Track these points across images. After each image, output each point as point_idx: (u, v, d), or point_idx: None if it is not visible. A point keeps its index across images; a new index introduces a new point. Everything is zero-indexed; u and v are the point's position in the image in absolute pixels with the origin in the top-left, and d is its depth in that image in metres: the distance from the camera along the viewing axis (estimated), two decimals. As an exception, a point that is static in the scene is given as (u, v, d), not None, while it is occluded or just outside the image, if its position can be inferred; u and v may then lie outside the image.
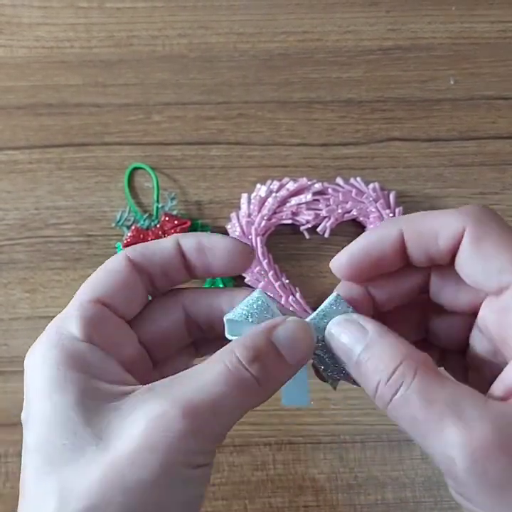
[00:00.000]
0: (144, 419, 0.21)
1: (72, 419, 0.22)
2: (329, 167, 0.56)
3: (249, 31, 0.56)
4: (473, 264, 0.23)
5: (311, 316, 0.26)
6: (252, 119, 0.56)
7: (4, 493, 0.52)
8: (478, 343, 0.27)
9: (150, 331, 0.27)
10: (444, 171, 0.56)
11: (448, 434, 0.21)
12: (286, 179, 0.53)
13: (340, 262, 0.26)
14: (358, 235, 0.56)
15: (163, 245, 0.27)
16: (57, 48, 0.56)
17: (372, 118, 0.56)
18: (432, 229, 0.24)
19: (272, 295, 0.27)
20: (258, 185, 0.54)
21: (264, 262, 0.52)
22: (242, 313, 0.25)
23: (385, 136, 0.56)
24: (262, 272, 0.52)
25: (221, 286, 0.52)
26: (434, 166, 0.56)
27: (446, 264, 0.25)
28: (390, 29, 0.57)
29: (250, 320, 0.25)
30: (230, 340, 0.25)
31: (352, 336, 0.24)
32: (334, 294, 0.26)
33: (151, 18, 0.56)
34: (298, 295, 0.52)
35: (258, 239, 0.52)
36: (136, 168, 0.55)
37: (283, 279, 0.53)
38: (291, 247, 0.55)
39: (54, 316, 0.55)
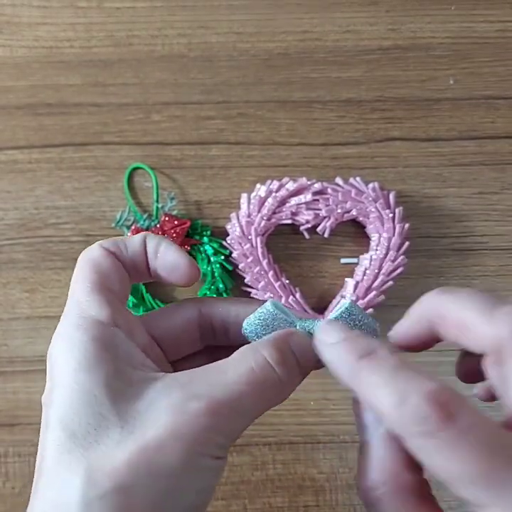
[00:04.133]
0: (171, 410, 0.22)
1: (99, 399, 0.22)
2: (329, 167, 0.56)
3: (248, 31, 0.56)
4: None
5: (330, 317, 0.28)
6: (251, 119, 0.56)
7: (4, 493, 0.52)
8: None
9: (164, 326, 0.28)
10: (443, 171, 0.56)
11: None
12: (285, 179, 0.53)
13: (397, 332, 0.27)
14: (358, 235, 0.57)
15: (133, 240, 0.27)
16: (57, 48, 0.56)
17: (371, 118, 0.56)
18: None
19: (284, 305, 0.29)
20: (258, 185, 0.54)
21: (264, 262, 0.52)
22: (256, 324, 0.27)
23: (385, 135, 0.56)
24: (262, 272, 0.52)
25: (221, 286, 0.52)
26: (433, 166, 0.56)
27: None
28: (390, 29, 0.57)
29: (264, 331, 0.27)
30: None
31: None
32: (347, 301, 0.28)
33: (151, 18, 0.56)
34: (298, 295, 0.52)
35: (258, 239, 0.52)
36: (135, 168, 0.55)
37: (283, 279, 0.53)
38: (291, 247, 0.55)
39: (54, 316, 0.55)
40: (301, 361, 0.25)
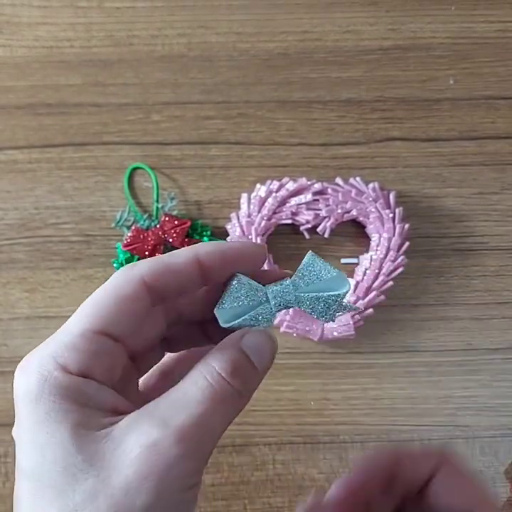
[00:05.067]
0: (137, 447, 0.21)
1: (65, 447, 0.22)
2: (329, 167, 0.56)
3: (248, 31, 0.56)
4: (450, 493, 0.27)
5: (290, 279, 0.27)
6: (251, 119, 0.56)
7: (4, 493, 0.52)
8: None
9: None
10: (443, 171, 0.56)
11: None
12: (285, 179, 0.53)
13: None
14: (358, 235, 0.57)
15: (179, 258, 0.25)
16: (57, 48, 0.56)
17: (371, 118, 0.56)
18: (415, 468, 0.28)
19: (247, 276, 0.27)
20: (258, 185, 0.54)
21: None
22: (230, 301, 0.26)
23: (385, 135, 0.56)
24: (262, 272, 0.52)
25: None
26: (433, 166, 0.56)
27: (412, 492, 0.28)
28: (390, 29, 0.57)
29: (239, 304, 0.26)
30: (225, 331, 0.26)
31: None
32: (309, 254, 0.27)
33: (151, 18, 0.56)
34: (298, 295, 0.52)
35: (258, 239, 0.52)
36: (135, 168, 0.55)
37: (283, 279, 0.53)
38: (291, 247, 0.55)
39: (54, 316, 0.54)
40: (257, 363, 0.25)
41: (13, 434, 0.24)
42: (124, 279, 0.24)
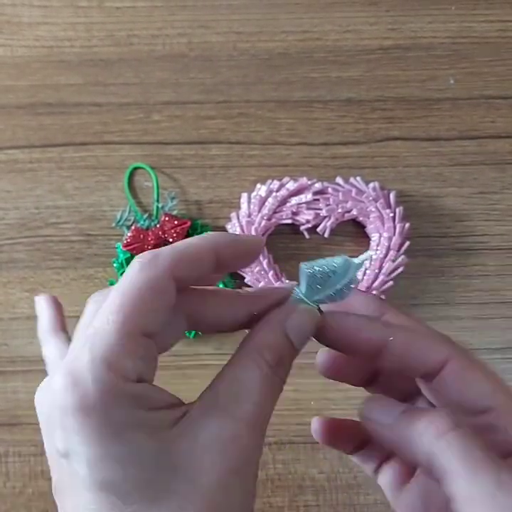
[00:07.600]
0: (219, 443, 0.22)
1: (147, 453, 0.21)
2: (329, 166, 0.56)
3: (248, 30, 0.56)
4: (459, 388, 0.26)
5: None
6: (252, 119, 0.56)
7: (4, 493, 0.52)
8: None
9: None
10: (443, 171, 0.56)
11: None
12: (286, 179, 0.53)
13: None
14: (358, 234, 0.57)
15: (200, 248, 0.24)
16: (57, 48, 0.56)
17: (372, 117, 0.56)
18: (420, 352, 0.27)
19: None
20: (258, 185, 0.54)
21: (264, 262, 0.52)
22: (323, 270, 0.28)
23: (385, 135, 0.56)
24: (262, 272, 0.52)
25: (221, 285, 0.52)
26: (433, 166, 0.56)
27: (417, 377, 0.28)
28: (390, 28, 0.57)
29: (331, 276, 0.28)
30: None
31: None
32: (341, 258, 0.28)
33: (151, 18, 0.56)
34: (298, 295, 0.52)
35: (258, 238, 0.52)
36: (136, 168, 0.55)
37: (283, 279, 0.53)
38: (291, 247, 0.55)
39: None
40: (297, 344, 0.25)
41: (61, 450, 0.22)
42: (154, 272, 0.22)
